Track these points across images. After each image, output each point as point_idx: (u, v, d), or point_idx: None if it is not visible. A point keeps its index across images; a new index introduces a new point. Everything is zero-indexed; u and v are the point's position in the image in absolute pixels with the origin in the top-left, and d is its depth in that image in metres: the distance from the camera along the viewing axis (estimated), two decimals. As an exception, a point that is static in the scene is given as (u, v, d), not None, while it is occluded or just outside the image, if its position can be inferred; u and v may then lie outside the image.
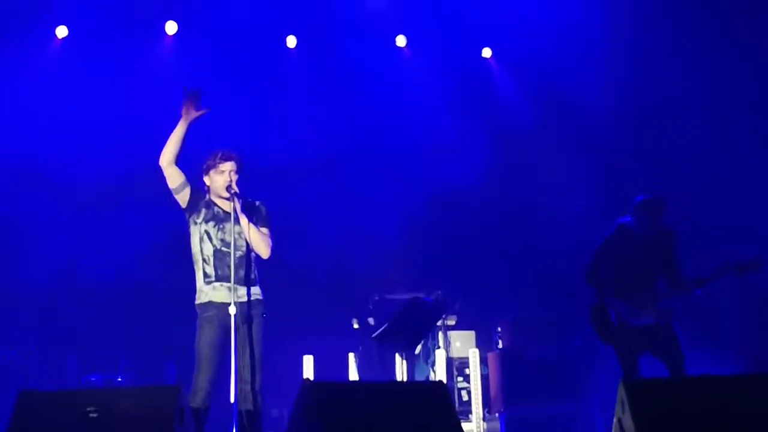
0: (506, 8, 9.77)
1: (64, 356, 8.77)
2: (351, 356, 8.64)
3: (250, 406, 5.28)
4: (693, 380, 5.19)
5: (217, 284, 5.44)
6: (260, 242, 5.48)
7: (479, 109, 10.27)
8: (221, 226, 5.50)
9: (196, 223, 5.54)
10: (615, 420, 4.67)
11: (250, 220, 5.48)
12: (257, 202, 5.68)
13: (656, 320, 6.22)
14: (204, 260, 5.49)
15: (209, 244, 5.49)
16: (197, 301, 5.51)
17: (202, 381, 5.25)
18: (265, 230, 5.59)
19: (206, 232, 5.51)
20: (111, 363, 8.59)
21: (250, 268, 5.51)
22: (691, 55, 9.28)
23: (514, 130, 10.07)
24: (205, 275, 5.48)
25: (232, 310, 5.16)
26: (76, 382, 8.40)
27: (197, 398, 5.22)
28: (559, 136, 9.88)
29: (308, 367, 8.13)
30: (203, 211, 5.54)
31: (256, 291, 5.52)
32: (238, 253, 5.42)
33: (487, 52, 10.48)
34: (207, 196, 5.60)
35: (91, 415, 4.31)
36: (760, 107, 9.05)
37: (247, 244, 5.48)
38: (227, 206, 5.45)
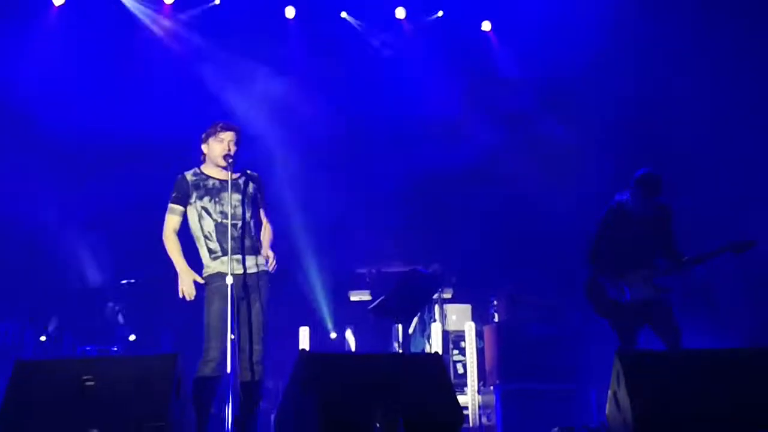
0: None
1: (59, 327, 8.76)
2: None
3: (248, 378, 5.28)
4: (688, 353, 5.23)
5: (225, 258, 5.34)
6: (271, 238, 5.62)
7: (481, 86, 10.21)
8: (217, 199, 5.46)
9: (191, 205, 5.50)
10: (610, 393, 4.69)
11: (253, 190, 5.56)
12: (256, 174, 5.68)
13: (653, 295, 6.23)
14: (206, 237, 5.46)
15: (209, 219, 5.45)
16: (205, 274, 5.46)
17: (213, 352, 5.22)
18: (265, 210, 5.65)
19: (203, 208, 5.46)
20: (106, 334, 8.60)
21: (252, 237, 5.51)
22: (697, 50, 9.23)
23: (518, 108, 10.01)
24: (210, 251, 5.45)
25: (229, 280, 5.15)
26: (70, 352, 8.39)
27: (207, 368, 5.21)
28: (562, 116, 9.85)
29: (304, 338, 8.13)
30: (194, 192, 5.49)
31: (261, 261, 5.51)
32: (239, 224, 5.42)
33: (486, 26, 10.42)
34: (195, 177, 5.53)
35: (87, 383, 4.31)
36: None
37: (245, 213, 5.47)
38: (223, 175, 5.44)
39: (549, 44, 9.62)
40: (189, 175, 5.55)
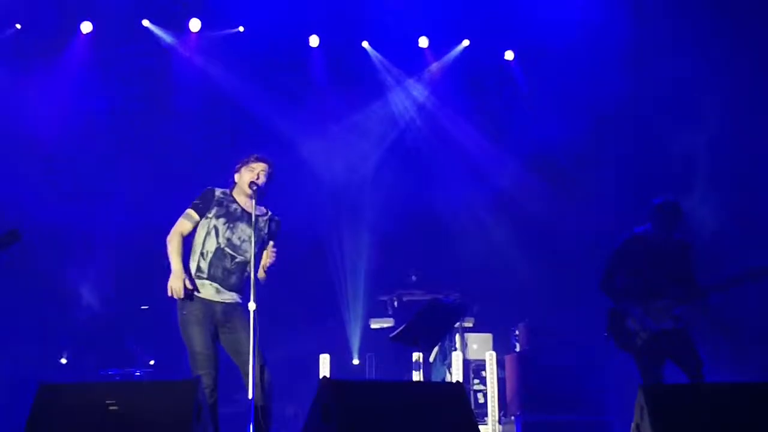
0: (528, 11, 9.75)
1: (80, 351, 8.82)
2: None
3: (260, 402, 5.28)
4: (713, 386, 5.16)
5: (206, 283, 5.42)
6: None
7: (505, 113, 10.24)
8: (232, 225, 5.50)
9: (207, 218, 5.53)
10: (633, 426, 4.64)
11: (269, 231, 5.59)
12: (277, 218, 5.72)
13: (673, 326, 6.17)
14: (202, 254, 5.48)
15: (214, 240, 5.47)
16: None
17: (206, 379, 5.21)
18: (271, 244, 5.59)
19: (215, 227, 5.49)
20: (128, 357, 8.65)
21: (242, 277, 5.49)
22: (723, 78, 9.20)
23: (539, 137, 10.01)
24: (198, 269, 5.46)
25: (252, 306, 5.20)
26: (92, 376, 8.44)
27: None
28: (586, 145, 9.84)
29: (325, 365, 8.12)
30: (215, 208, 5.54)
31: (238, 299, 5.51)
32: (239, 258, 5.46)
33: (509, 55, 10.46)
34: (223, 195, 5.60)
35: (111, 408, 4.32)
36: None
37: (247, 251, 5.45)
38: (249, 206, 5.47)
39: (572, 72, 9.65)
40: (218, 191, 5.62)
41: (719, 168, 9.05)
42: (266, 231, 5.60)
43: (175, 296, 5.36)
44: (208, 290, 5.40)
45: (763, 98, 8.93)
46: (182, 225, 5.52)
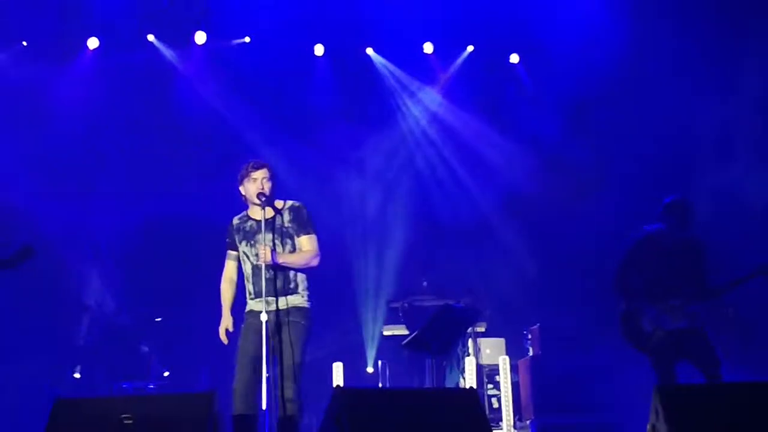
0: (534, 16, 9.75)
1: (97, 364, 8.84)
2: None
3: (281, 414, 5.30)
4: (729, 386, 5.14)
5: (257, 299, 5.52)
6: (304, 263, 5.55)
7: (511, 114, 10.25)
8: (252, 241, 5.58)
9: (239, 249, 5.69)
10: (648, 427, 4.62)
11: (289, 223, 5.54)
12: (297, 203, 5.68)
13: (688, 324, 6.15)
14: (246, 279, 5.64)
15: (248, 263, 5.61)
16: (245, 311, 5.65)
17: (235, 383, 5.37)
18: (308, 237, 5.58)
19: (244, 253, 5.64)
20: (141, 370, 8.66)
21: (287, 276, 5.52)
22: (723, 74, 9.19)
23: (547, 139, 10.01)
24: (249, 292, 5.63)
25: (264, 317, 5.30)
26: (106, 389, 8.46)
27: (235, 401, 5.33)
28: (591, 147, 9.83)
29: (338, 374, 8.12)
30: (236, 237, 5.68)
31: (293, 299, 5.51)
32: (271, 264, 5.45)
33: (514, 58, 10.46)
34: (239, 220, 5.70)
35: (125, 422, 4.34)
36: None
37: (276, 252, 5.48)
38: (260, 215, 5.47)
39: (575, 72, 9.64)
40: (236, 220, 5.74)
41: (722, 164, 9.04)
42: (288, 223, 5.58)
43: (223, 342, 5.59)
44: (259, 304, 5.45)
45: (764, 97, 8.91)
46: (226, 267, 5.79)
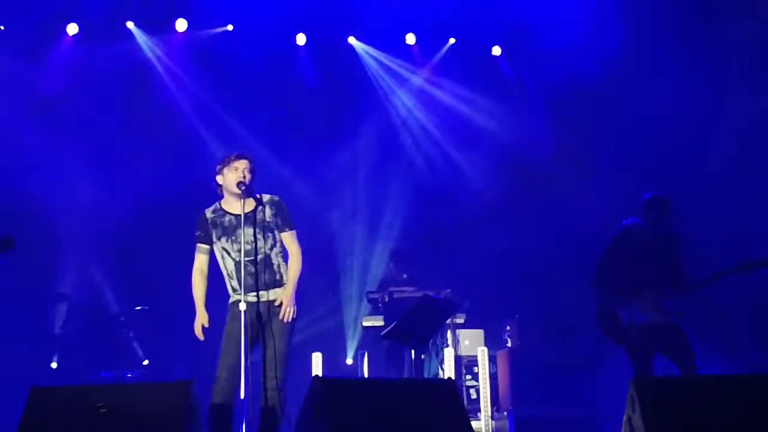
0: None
1: (75, 353, 8.79)
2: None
3: (263, 404, 5.28)
4: (704, 379, 5.17)
5: (246, 294, 5.37)
6: (300, 268, 5.54)
7: (489, 107, 10.26)
8: (234, 237, 5.48)
9: (215, 243, 5.57)
10: (624, 418, 4.65)
11: (270, 217, 5.50)
12: (276, 198, 5.63)
13: (665, 319, 6.20)
14: (228, 275, 5.55)
15: (230, 259, 5.51)
16: (229, 302, 5.58)
17: (219, 370, 5.31)
18: (292, 234, 5.57)
19: (224, 248, 5.53)
20: (122, 359, 8.63)
21: (272, 270, 5.49)
22: (711, 70, 9.22)
23: (525, 130, 10.03)
24: (232, 289, 5.54)
25: (242, 306, 5.25)
26: (85, 378, 8.41)
27: (216, 389, 5.26)
28: (573, 141, 9.86)
29: (317, 364, 8.12)
30: (214, 232, 5.55)
31: (279, 292, 5.47)
32: (260, 256, 5.41)
33: (497, 50, 10.46)
34: (214, 214, 5.58)
35: (101, 410, 4.31)
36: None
37: (260, 246, 5.43)
38: (238, 209, 5.41)
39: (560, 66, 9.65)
40: (209, 213, 5.61)
41: (715, 164, 9.09)
42: (270, 217, 5.54)
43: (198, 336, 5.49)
44: (246, 300, 5.36)
45: (760, 96, 8.96)
46: (197, 261, 5.61)
